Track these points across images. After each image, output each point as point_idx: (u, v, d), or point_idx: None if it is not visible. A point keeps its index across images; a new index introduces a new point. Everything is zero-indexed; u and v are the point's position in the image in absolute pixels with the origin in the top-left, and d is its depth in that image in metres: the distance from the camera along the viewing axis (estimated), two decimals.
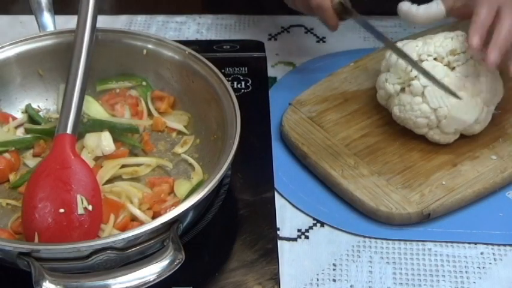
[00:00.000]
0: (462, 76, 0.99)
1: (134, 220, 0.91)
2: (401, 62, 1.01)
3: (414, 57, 1.00)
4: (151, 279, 0.79)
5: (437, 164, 1.01)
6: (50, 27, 1.07)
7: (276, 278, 0.88)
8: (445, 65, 0.99)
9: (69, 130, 0.93)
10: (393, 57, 1.03)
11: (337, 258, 0.94)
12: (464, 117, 0.99)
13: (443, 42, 1.00)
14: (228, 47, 1.20)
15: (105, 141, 0.97)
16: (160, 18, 1.32)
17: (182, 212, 0.83)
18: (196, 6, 1.34)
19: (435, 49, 1.00)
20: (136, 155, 1.01)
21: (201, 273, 0.89)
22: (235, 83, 1.13)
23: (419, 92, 0.99)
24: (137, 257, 0.83)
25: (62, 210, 0.87)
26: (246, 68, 1.16)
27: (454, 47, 1.00)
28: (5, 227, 0.91)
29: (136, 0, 1.34)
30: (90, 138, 0.98)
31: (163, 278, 0.79)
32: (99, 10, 1.01)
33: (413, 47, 1.01)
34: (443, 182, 0.99)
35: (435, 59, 1.00)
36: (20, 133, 1.04)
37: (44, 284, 0.77)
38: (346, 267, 0.93)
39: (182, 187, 0.95)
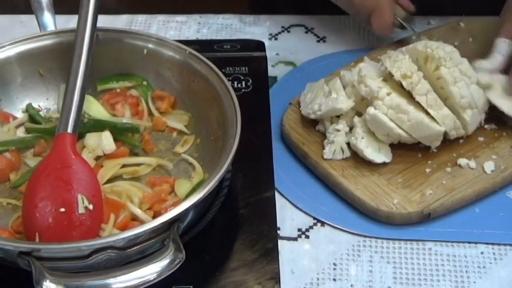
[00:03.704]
0: (422, 95, 0.99)
1: (134, 220, 0.91)
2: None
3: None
4: (151, 279, 0.79)
5: (438, 164, 1.01)
6: (51, 27, 1.07)
7: (276, 278, 0.88)
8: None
9: (69, 129, 0.93)
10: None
11: (338, 258, 0.94)
12: (425, 133, 0.99)
13: (392, 71, 1.00)
14: (229, 46, 1.20)
15: (105, 141, 0.97)
16: (160, 17, 1.32)
17: (182, 211, 0.83)
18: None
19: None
20: (136, 155, 1.01)
21: (201, 273, 0.89)
22: (235, 82, 1.13)
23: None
24: (137, 257, 0.83)
25: (62, 209, 0.87)
26: (246, 68, 1.16)
27: (404, 72, 0.99)
28: (6, 227, 0.91)
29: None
30: (91, 138, 0.98)
31: (163, 277, 0.79)
32: (99, 10, 1.01)
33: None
34: (444, 182, 0.99)
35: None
36: (20, 133, 1.04)
37: (44, 283, 0.77)
38: (346, 266, 0.93)
39: (183, 187, 0.95)
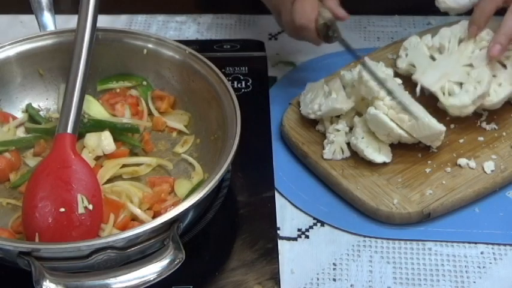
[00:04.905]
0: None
1: (134, 220, 0.91)
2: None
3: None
4: (151, 279, 0.79)
5: (438, 164, 1.01)
6: (51, 27, 1.07)
7: (276, 278, 0.89)
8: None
9: (69, 129, 0.93)
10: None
11: (338, 258, 0.94)
12: (426, 133, 0.99)
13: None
14: (229, 46, 1.20)
15: (105, 141, 0.98)
16: (160, 17, 1.32)
17: (182, 211, 0.83)
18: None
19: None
20: (136, 155, 1.01)
21: (201, 273, 0.89)
22: (235, 82, 1.14)
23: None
24: (137, 257, 0.83)
25: (62, 209, 0.87)
26: (246, 68, 1.16)
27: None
28: (6, 227, 0.91)
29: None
30: (91, 138, 0.98)
31: (163, 277, 0.79)
32: (99, 10, 1.01)
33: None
34: (444, 182, 0.99)
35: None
36: (20, 133, 1.04)
37: (44, 283, 0.77)
38: (346, 266, 0.93)
39: (182, 187, 0.95)
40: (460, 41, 1.08)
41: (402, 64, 1.10)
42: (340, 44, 1.05)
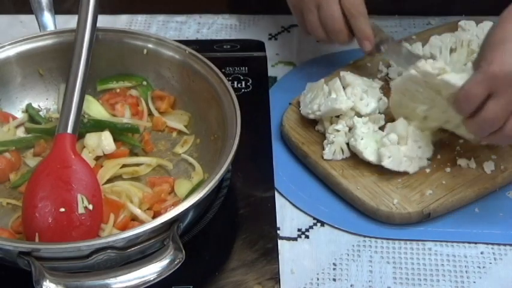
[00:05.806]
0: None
1: (134, 220, 0.91)
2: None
3: None
4: (151, 279, 0.79)
5: (437, 163, 1.01)
6: (51, 27, 1.07)
7: (276, 278, 0.89)
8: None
9: (69, 129, 0.93)
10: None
11: (338, 258, 0.94)
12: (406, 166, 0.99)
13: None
14: (229, 46, 1.20)
15: (105, 141, 0.98)
16: (160, 17, 1.32)
17: (182, 211, 0.83)
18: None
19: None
20: (136, 155, 1.01)
21: (201, 273, 0.89)
22: (235, 82, 1.13)
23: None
24: (137, 257, 0.83)
25: (62, 209, 0.87)
26: (246, 68, 1.16)
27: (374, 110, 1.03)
28: (6, 227, 0.91)
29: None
30: (91, 138, 0.98)
31: (163, 277, 0.79)
32: (99, 10, 1.01)
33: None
34: (444, 182, 0.99)
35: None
36: (20, 133, 1.04)
37: (44, 283, 0.77)
38: (346, 266, 0.93)
39: (182, 187, 0.95)
40: (451, 51, 1.08)
41: (394, 74, 1.10)
42: (386, 56, 1.09)
